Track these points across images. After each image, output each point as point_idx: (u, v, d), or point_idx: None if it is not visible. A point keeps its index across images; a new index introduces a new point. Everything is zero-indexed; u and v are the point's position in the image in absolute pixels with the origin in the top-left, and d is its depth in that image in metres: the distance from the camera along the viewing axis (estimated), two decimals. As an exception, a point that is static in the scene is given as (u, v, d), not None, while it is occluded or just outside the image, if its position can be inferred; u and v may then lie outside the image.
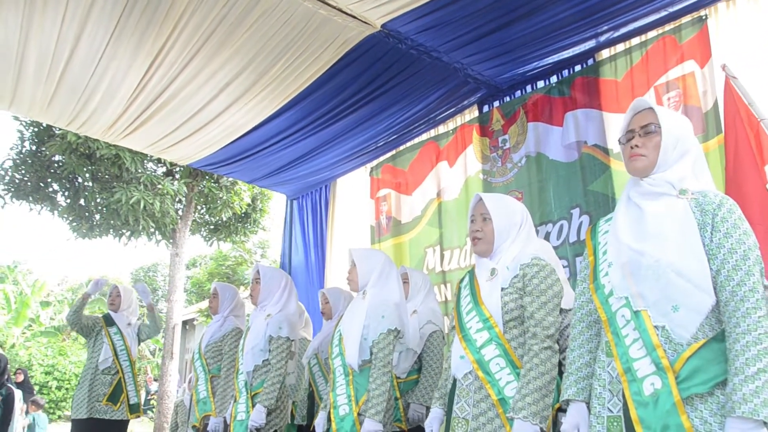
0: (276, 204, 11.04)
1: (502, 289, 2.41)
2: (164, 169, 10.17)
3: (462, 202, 5.28)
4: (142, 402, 16.13)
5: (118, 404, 4.90)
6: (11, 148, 9.51)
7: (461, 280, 2.68)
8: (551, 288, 2.37)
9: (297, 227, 6.82)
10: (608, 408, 1.87)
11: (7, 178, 9.47)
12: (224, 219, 10.75)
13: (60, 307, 21.51)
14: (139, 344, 5.35)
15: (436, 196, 5.51)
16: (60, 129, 8.47)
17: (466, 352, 2.41)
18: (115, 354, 5.01)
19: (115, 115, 5.26)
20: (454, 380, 2.48)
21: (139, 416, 5.31)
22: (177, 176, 10.05)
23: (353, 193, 6.45)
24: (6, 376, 5.70)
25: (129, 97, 4.96)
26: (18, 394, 5.77)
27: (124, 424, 5.05)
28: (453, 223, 5.35)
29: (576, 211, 4.41)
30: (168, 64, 4.55)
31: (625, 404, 1.81)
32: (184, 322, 17.85)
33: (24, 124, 9.55)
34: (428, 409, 3.74)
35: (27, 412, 8.51)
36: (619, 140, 2.05)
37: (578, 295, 2.13)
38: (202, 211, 10.96)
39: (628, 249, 1.88)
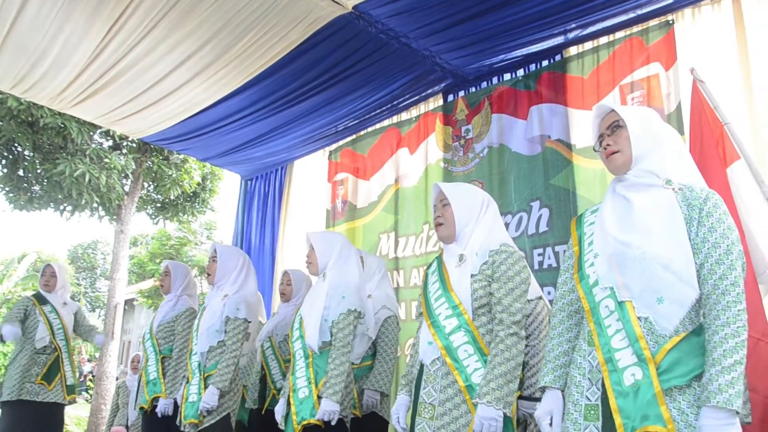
0: (226, 184, 10.85)
1: (472, 275, 2.43)
2: (111, 142, 9.84)
3: (421, 189, 5.28)
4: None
5: (53, 384, 4.72)
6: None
7: (429, 266, 2.69)
8: (519, 275, 2.39)
9: (251, 208, 6.71)
10: (587, 396, 1.89)
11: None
12: (172, 197, 10.49)
13: (-9, 282, 20.65)
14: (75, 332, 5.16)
15: (394, 182, 5.50)
16: (1, 94, 8.10)
17: (435, 338, 2.42)
18: (52, 333, 4.84)
19: (66, 81, 5.04)
20: (422, 366, 2.48)
21: (74, 399, 5.13)
22: (125, 151, 9.75)
23: (310, 175, 6.38)
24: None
25: (83, 64, 4.75)
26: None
27: (59, 407, 4.87)
28: (410, 210, 5.35)
29: (536, 204, 4.45)
30: (127, 32, 4.37)
31: (604, 393, 1.83)
32: (125, 302, 17.44)
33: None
34: (382, 394, 3.73)
35: None
36: (593, 149, 2.10)
37: (560, 285, 2.15)
38: (149, 189, 10.67)
39: (615, 240, 1.90)
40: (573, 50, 4.34)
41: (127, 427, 6.61)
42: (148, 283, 18.68)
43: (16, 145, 8.87)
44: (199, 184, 10.39)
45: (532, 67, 4.56)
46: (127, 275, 10.91)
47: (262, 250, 6.46)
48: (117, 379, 9.63)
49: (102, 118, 5.81)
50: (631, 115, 1.99)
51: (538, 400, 3.00)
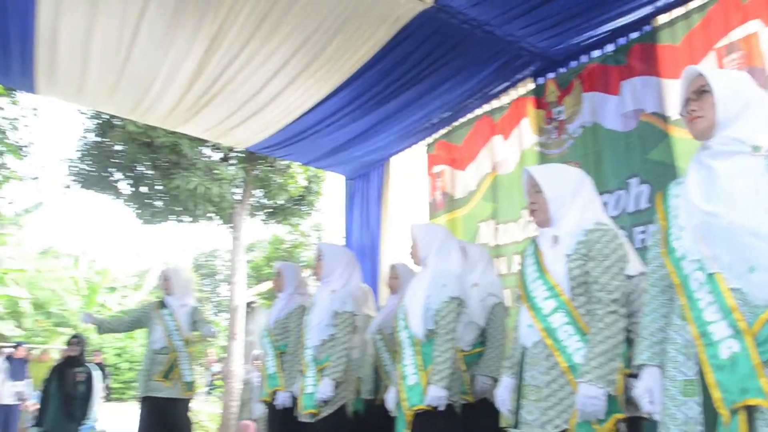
0: (330, 186, 11.18)
1: (567, 256, 2.42)
2: (221, 154, 10.40)
3: (517, 175, 5.26)
4: (207, 382, 16.68)
5: (171, 381, 5.06)
6: (77, 140, 9.88)
7: (525, 249, 2.70)
8: (615, 252, 2.37)
9: (354, 206, 6.92)
10: (683, 371, 1.87)
11: (75, 169, 9.85)
12: (280, 202, 10.94)
13: (125, 292, 22.26)
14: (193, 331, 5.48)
15: (491, 170, 5.51)
16: (121, 120, 8.76)
17: (534, 320, 2.44)
18: (168, 334, 5.17)
19: (174, 101, 5.41)
20: (523, 349, 2.52)
21: (192, 395, 5.45)
22: (233, 161, 10.27)
23: (409, 170, 6.50)
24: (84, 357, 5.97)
25: (187, 82, 5.08)
26: (98, 373, 6.07)
27: (182, 402, 5.20)
28: (508, 197, 5.34)
29: (634, 181, 4.35)
30: (225, 48, 4.65)
31: (700, 368, 1.80)
32: (246, 305, 18.30)
33: (87, 116, 9.89)
34: (494, 380, 3.79)
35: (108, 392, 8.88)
36: (680, 114, 2.05)
37: (651, 260, 2.12)
38: (258, 195, 11.17)
39: (700, 211, 1.86)
40: (663, 19, 4.19)
41: (254, 420, 7.00)
42: (266, 286, 19.44)
43: (137, 165, 9.58)
44: (304, 187, 10.77)
45: (621, 41, 4.45)
46: (245, 279, 11.47)
47: (367, 247, 6.63)
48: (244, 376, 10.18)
49: (209, 132, 6.19)
50: (719, 79, 1.93)
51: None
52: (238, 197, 10.52)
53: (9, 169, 8.50)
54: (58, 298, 18.85)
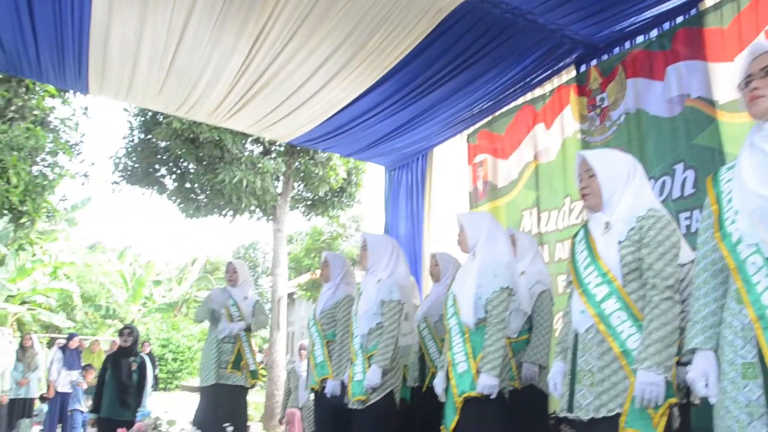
0: (369, 177, 11.26)
1: (619, 242, 2.43)
2: (261, 148, 10.55)
3: (559, 163, 5.26)
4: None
5: (240, 371, 5.22)
6: (123, 137, 10.13)
7: (575, 235, 2.72)
8: (669, 239, 2.37)
9: (396, 197, 6.98)
10: (741, 355, 1.86)
11: (121, 165, 10.10)
12: (321, 194, 11.06)
13: (169, 285, 22.76)
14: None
15: (533, 158, 5.51)
16: (165, 117, 8.95)
17: (587, 306, 2.46)
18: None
19: (220, 97, 5.53)
20: (576, 334, 2.54)
21: (257, 382, 5.62)
22: (274, 155, 10.42)
23: (450, 160, 6.54)
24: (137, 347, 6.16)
25: (233, 78, 5.20)
26: (149, 363, 6.26)
27: (245, 390, 5.37)
28: (550, 185, 5.35)
29: (679, 167, 4.31)
30: (269, 44, 4.73)
31: (759, 351, 1.79)
32: (287, 296, 18.56)
33: (132, 114, 10.13)
34: (541, 367, 3.82)
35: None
36: (738, 85, 2.00)
37: (701, 245, 2.11)
38: (299, 188, 11.31)
39: (756, 196, 1.84)
40: (709, 2, 4.15)
41: (299, 408, 7.13)
42: (306, 277, 19.65)
43: (182, 160, 9.79)
44: (344, 179, 10.87)
45: (666, 25, 4.41)
46: (287, 270, 11.64)
47: (410, 237, 6.69)
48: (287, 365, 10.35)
49: (253, 127, 6.31)
50: None
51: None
52: (279, 190, 10.67)
53: (62, 167, 8.77)
54: (106, 291, 19.36)
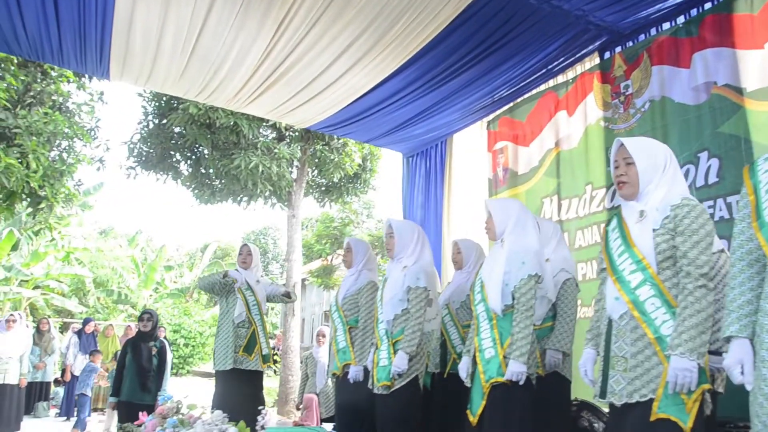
0: (384, 163, 11.25)
1: (654, 230, 2.45)
2: (275, 134, 10.54)
3: (581, 150, 5.25)
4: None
5: (253, 355, 5.23)
6: (138, 123, 10.13)
7: (608, 223, 2.73)
8: (703, 227, 2.38)
9: (414, 184, 6.98)
10: None
11: (136, 151, 10.12)
12: (335, 180, 11.07)
13: (180, 271, 22.88)
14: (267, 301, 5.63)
15: (555, 145, 5.51)
16: (182, 102, 8.96)
17: (621, 293, 2.48)
18: (248, 308, 5.29)
19: (241, 83, 5.54)
20: (610, 321, 2.55)
21: (269, 366, 5.63)
22: (288, 140, 10.42)
23: (469, 147, 6.53)
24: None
25: (255, 64, 5.20)
26: (168, 347, 6.31)
27: (260, 374, 5.39)
28: (572, 173, 5.34)
29: (704, 155, 4.30)
30: (292, 31, 4.74)
31: None
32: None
33: (146, 99, 10.13)
34: (564, 354, 3.84)
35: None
36: None
37: (737, 234, 2.13)
38: (313, 174, 11.32)
39: None
40: (739, -12, 4.13)
41: (316, 393, 7.18)
42: (317, 264, 19.70)
43: (197, 146, 9.80)
44: (359, 165, 10.86)
45: (693, 12, 4.39)
46: (301, 256, 11.67)
47: (427, 223, 6.70)
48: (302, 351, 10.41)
49: (273, 113, 6.32)
50: None
51: (721, 354, 2.98)
52: (294, 176, 10.69)
53: (77, 152, 8.80)
54: (118, 276, 19.48)
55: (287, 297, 5.65)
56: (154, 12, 4.53)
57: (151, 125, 10.15)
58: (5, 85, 7.07)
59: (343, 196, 11.46)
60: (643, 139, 2.76)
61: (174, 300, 20.03)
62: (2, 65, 7.26)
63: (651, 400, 2.36)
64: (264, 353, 5.34)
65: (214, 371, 5.38)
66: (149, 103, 10.14)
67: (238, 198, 10.39)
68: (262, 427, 4.04)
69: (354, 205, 17.57)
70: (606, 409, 4.17)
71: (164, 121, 9.88)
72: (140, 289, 19.43)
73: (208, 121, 9.16)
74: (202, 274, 21.41)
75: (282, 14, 4.56)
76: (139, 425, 4.79)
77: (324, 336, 7.38)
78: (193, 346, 18.37)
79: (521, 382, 3.14)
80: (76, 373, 9.79)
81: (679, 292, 2.38)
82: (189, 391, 5.74)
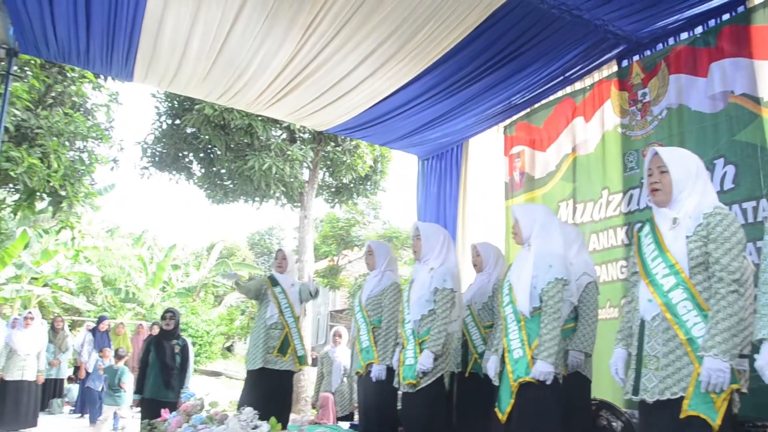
0: (394, 166, 11.36)
1: (687, 237, 2.57)
2: (284, 135, 10.62)
3: (598, 156, 5.36)
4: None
5: (287, 356, 5.35)
6: (152, 123, 10.23)
7: (640, 229, 2.85)
8: (735, 235, 2.50)
9: (429, 186, 7.09)
10: None
11: (149, 151, 10.23)
12: (345, 181, 11.17)
13: (187, 270, 22.98)
14: (301, 304, 5.73)
15: (571, 151, 5.61)
16: (197, 103, 9.06)
17: (654, 295, 2.60)
18: (280, 311, 5.42)
19: (264, 86, 5.63)
20: (642, 321, 2.67)
21: (307, 366, 5.73)
22: (299, 142, 10.51)
23: (485, 151, 6.63)
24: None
25: (279, 68, 5.29)
26: (190, 346, 6.42)
27: (290, 374, 5.51)
28: (588, 177, 5.45)
29: (719, 162, 4.41)
30: (317, 36, 4.83)
31: None
32: (303, 282, 18.68)
33: (159, 99, 10.23)
34: (586, 355, 3.94)
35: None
36: None
37: None
38: (323, 175, 11.42)
39: None
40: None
41: (332, 392, 7.29)
42: (323, 264, 19.77)
43: (210, 146, 9.91)
44: (371, 167, 10.96)
45: (711, 23, 4.50)
46: (313, 256, 11.77)
47: (441, 225, 6.79)
48: (312, 350, 10.50)
49: (292, 116, 6.41)
50: None
51: (746, 356, 3.10)
52: (305, 177, 10.79)
53: (91, 152, 8.90)
54: (126, 275, 19.59)
55: (314, 295, 5.75)
56: (184, 16, 4.63)
57: (165, 126, 10.26)
58: (27, 86, 7.18)
59: (353, 197, 11.57)
60: (676, 148, 2.88)
61: (181, 299, 20.14)
62: (25, 67, 7.37)
63: (681, 398, 2.47)
64: (299, 354, 5.45)
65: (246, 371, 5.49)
66: (162, 103, 10.24)
67: (251, 198, 10.49)
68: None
69: (359, 206, 17.65)
70: (624, 409, 4.32)
71: (177, 121, 9.98)
72: (148, 288, 19.54)
73: (222, 122, 9.26)
74: (209, 273, 21.53)
75: (309, 19, 4.64)
76: (162, 422, 4.92)
77: (340, 336, 7.49)
78: (200, 344, 18.48)
79: (548, 382, 3.26)
80: (90, 370, 9.91)
81: (711, 296, 2.49)
82: (198, 389, 5.84)
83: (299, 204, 10.91)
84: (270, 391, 5.15)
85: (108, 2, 4.49)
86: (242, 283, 5.59)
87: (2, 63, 5.65)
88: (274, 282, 5.54)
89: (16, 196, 8.23)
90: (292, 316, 5.46)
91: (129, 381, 8.37)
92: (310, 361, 11.02)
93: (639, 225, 2.89)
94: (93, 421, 9.03)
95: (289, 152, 9.73)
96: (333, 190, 11.79)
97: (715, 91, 4.44)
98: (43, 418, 9.23)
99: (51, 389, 10.22)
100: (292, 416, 5.43)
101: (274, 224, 33.59)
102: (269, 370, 5.25)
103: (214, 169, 10.32)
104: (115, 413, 8.93)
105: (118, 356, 9.19)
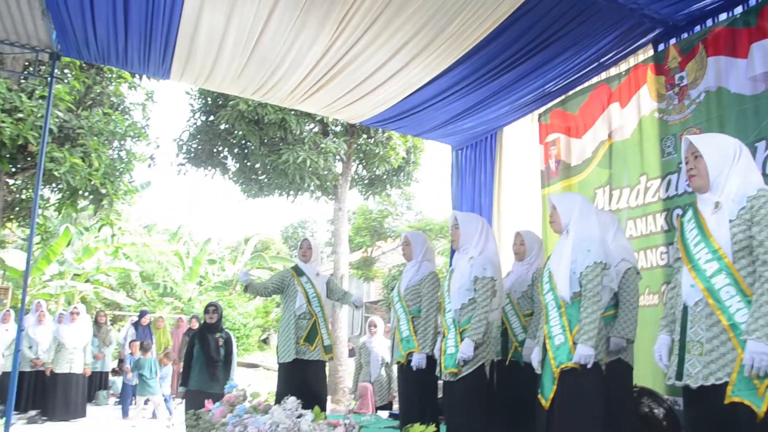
0: (427, 157, 11.37)
1: (730, 221, 2.55)
2: (317, 128, 10.71)
3: (635, 141, 5.30)
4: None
5: (314, 345, 5.38)
6: (187, 120, 10.41)
7: (683, 215, 2.83)
8: None
9: (463, 176, 7.10)
10: None
11: (185, 148, 10.40)
12: (378, 173, 11.23)
13: (222, 264, 23.31)
14: (329, 298, 5.74)
15: (608, 137, 5.56)
16: (232, 99, 9.19)
17: (696, 281, 2.59)
18: (308, 300, 5.43)
19: (298, 81, 5.71)
20: (685, 307, 2.67)
21: (332, 358, 5.77)
22: (332, 135, 10.60)
23: (520, 140, 6.61)
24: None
25: (313, 63, 5.36)
26: (234, 339, 6.54)
27: (322, 364, 5.53)
28: (625, 163, 5.40)
29: (761, 144, 4.32)
30: (351, 29, 4.88)
31: None
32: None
33: (193, 96, 10.39)
34: (627, 341, 3.94)
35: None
36: None
37: None
38: (357, 167, 11.49)
39: None
40: (800, -24, 4.16)
41: (371, 382, 7.36)
42: (356, 255, 19.86)
43: (245, 141, 10.04)
44: (403, 158, 10.99)
45: (752, 2, 4.41)
46: (348, 248, 11.86)
47: (478, 214, 6.81)
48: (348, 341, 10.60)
49: (326, 109, 6.48)
50: None
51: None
52: (338, 170, 10.88)
53: (128, 150, 9.11)
54: (164, 270, 19.95)
55: (355, 305, 5.76)
56: (219, 16, 4.72)
57: (199, 122, 10.42)
58: (68, 88, 7.36)
59: (387, 188, 11.63)
60: (710, 135, 2.88)
61: (218, 292, 20.45)
62: (65, 69, 7.56)
63: (725, 384, 2.47)
64: (326, 344, 5.47)
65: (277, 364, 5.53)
66: (196, 100, 10.40)
67: (285, 192, 10.61)
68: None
69: (392, 197, 17.68)
70: (666, 396, 4.30)
71: (212, 118, 10.13)
72: (185, 283, 19.88)
73: (256, 117, 9.38)
74: (245, 266, 21.79)
75: (342, 14, 4.69)
76: (206, 412, 5.02)
77: (375, 326, 7.54)
78: (237, 337, 18.75)
79: (589, 365, 3.26)
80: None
81: (755, 279, 2.47)
82: (238, 382, 5.92)
83: (333, 196, 11.00)
84: (304, 381, 5.20)
85: (145, 3, 4.60)
86: (255, 283, 5.57)
87: (45, 66, 5.84)
88: (299, 272, 5.56)
89: (59, 195, 8.48)
90: (319, 305, 5.48)
91: (157, 371, 8.69)
92: (345, 351, 11.18)
93: (681, 211, 2.88)
94: (125, 414, 9.34)
95: (322, 145, 9.82)
96: (366, 182, 11.86)
97: (756, 72, 4.35)
98: (90, 409, 9.51)
99: (97, 381, 10.50)
100: (330, 406, 5.50)
101: (306, 217, 33.75)
102: (301, 361, 5.29)
103: (249, 163, 10.46)
104: (146, 400, 9.25)
105: (143, 349, 9.42)
